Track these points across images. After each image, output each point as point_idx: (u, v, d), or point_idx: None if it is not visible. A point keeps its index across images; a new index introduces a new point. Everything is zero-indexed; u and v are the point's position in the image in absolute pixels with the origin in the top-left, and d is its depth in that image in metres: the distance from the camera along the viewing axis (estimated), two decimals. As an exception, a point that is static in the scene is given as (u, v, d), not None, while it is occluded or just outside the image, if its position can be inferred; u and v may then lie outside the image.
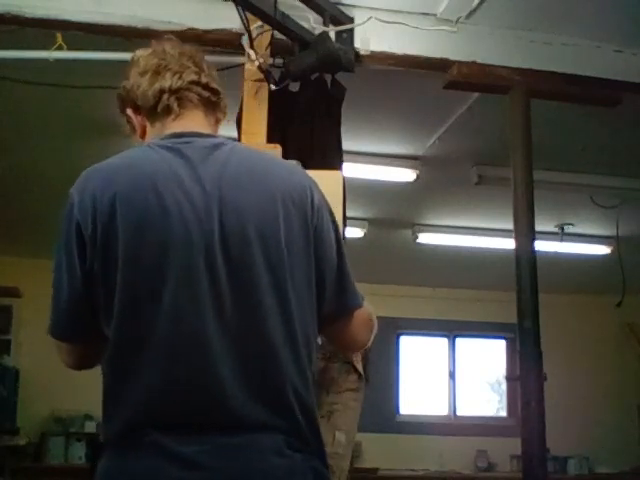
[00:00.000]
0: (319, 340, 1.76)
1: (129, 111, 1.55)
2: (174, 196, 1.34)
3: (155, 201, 1.33)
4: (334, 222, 1.48)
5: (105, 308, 1.33)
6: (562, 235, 5.75)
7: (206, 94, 1.52)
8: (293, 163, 1.72)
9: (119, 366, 1.33)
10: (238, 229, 1.35)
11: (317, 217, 1.43)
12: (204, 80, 1.52)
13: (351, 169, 3.87)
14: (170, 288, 1.30)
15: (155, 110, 1.50)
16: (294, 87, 2.78)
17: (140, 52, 1.60)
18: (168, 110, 1.50)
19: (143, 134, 1.55)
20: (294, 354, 1.35)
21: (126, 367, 1.31)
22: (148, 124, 1.53)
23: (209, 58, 1.63)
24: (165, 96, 1.49)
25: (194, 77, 1.51)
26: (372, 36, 2.82)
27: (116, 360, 1.34)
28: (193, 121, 1.51)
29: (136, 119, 1.55)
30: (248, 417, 1.29)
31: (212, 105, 1.54)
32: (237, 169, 1.41)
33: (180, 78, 1.49)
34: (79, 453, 6.51)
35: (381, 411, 6.92)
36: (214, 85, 1.54)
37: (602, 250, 5.95)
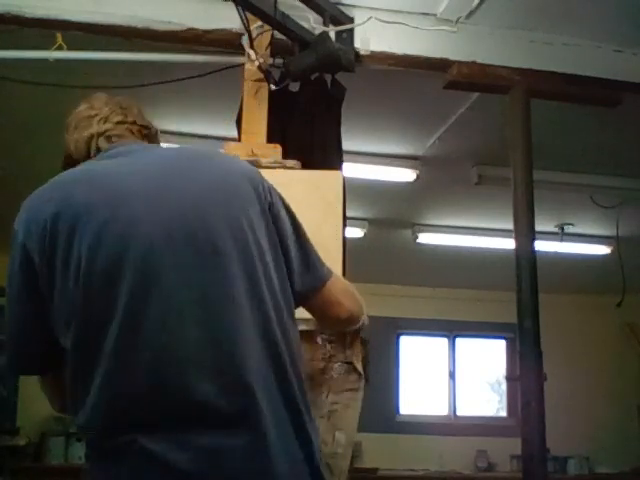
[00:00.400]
0: (319, 340, 1.76)
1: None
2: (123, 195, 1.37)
3: (110, 211, 1.34)
4: (283, 200, 1.52)
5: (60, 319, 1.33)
6: (562, 235, 5.74)
7: (136, 128, 1.59)
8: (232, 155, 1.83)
9: (82, 371, 1.31)
10: (200, 218, 1.36)
11: (269, 195, 1.47)
12: (130, 119, 1.59)
13: (351, 169, 3.87)
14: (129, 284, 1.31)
15: (89, 156, 1.57)
16: (294, 87, 2.78)
17: (70, 116, 1.72)
18: (99, 150, 1.56)
19: None
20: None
21: (90, 370, 1.29)
22: None
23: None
24: (94, 140, 1.57)
25: (120, 117, 1.58)
26: (372, 36, 2.82)
27: (79, 365, 1.31)
28: (124, 145, 1.56)
29: None
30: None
31: (144, 137, 1.61)
32: (185, 162, 1.48)
33: (106, 121, 1.58)
34: (79, 453, 6.49)
35: (381, 411, 6.91)
36: (143, 122, 1.61)
37: (602, 250, 5.95)
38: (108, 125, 1.57)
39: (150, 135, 1.62)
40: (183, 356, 1.27)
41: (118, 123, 1.58)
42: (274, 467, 1.27)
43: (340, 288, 1.58)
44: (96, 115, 1.60)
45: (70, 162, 1.61)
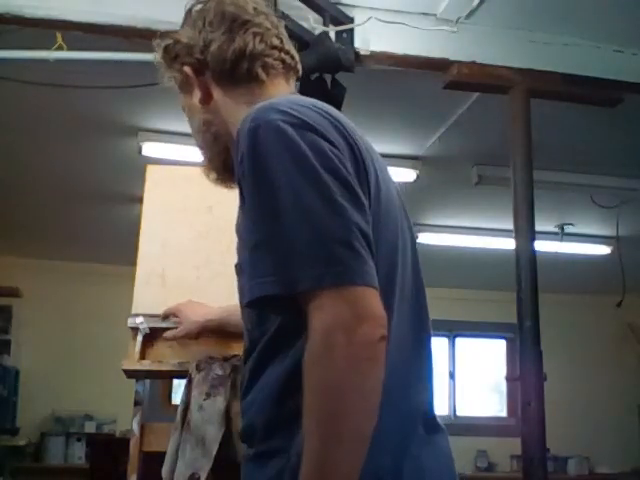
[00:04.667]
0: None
1: (187, 69, 1.33)
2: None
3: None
4: (250, 171, 1.07)
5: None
6: (562, 235, 5.74)
7: (288, 59, 1.35)
8: None
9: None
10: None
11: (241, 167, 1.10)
12: (286, 46, 1.35)
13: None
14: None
15: (233, 75, 1.30)
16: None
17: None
18: (250, 76, 1.30)
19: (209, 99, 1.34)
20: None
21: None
22: (219, 89, 1.32)
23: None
24: (246, 60, 1.29)
25: (276, 42, 1.33)
26: (372, 36, 2.82)
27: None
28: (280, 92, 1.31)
29: (198, 80, 1.33)
30: None
31: (292, 70, 1.37)
32: None
33: (262, 41, 1.31)
34: (79, 453, 6.49)
35: (381, 411, 6.90)
36: (290, 48, 1.37)
37: (602, 250, 5.94)
38: (263, 47, 1.32)
39: (295, 67, 1.40)
40: None
41: (273, 48, 1.34)
42: None
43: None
44: (246, 23, 1.33)
45: (194, 65, 1.33)
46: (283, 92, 1.30)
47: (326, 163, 1.03)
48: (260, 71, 1.29)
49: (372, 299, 0.98)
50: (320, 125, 1.08)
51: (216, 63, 1.30)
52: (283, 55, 1.33)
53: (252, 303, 1.03)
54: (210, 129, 1.34)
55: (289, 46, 1.36)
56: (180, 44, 1.34)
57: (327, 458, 0.93)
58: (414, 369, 1.18)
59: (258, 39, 1.30)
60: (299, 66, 1.38)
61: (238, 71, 1.29)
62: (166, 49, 1.36)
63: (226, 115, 1.31)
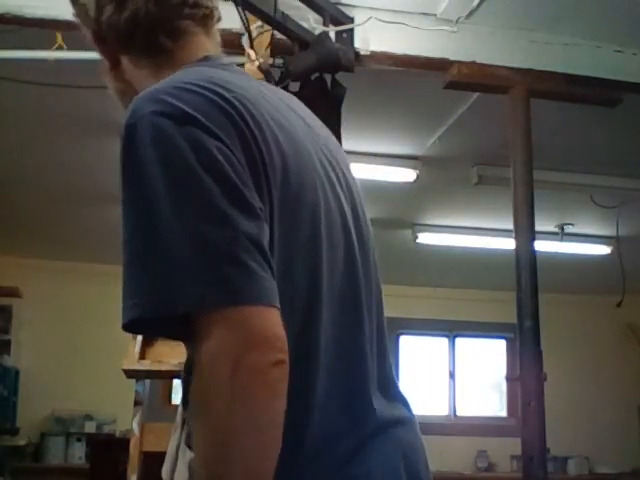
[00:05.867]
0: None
1: (88, 34, 1.23)
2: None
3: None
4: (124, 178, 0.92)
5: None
6: (562, 235, 5.74)
7: (200, 12, 1.16)
8: None
9: None
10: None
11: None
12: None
13: (351, 169, 3.87)
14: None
15: (133, 45, 1.18)
16: (294, 87, 2.78)
17: None
18: (151, 46, 1.16)
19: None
20: None
21: None
22: (125, 56, 1.21)
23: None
24: (141, 30, 1.14)
25: None
26: (372, 36, 2.82)
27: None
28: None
29: (100, 47, 1.25)
30: None
31: (209, 19, 1.19)
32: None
33: (157, 3, 1.13)
34: (79, 453, 6.50)
35: (381, 411, 6.90)
36: (204, 1, 1.16)
37: (602, 250, 5.94)
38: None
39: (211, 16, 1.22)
40: None
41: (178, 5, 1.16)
42: None
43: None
44: None
45: None
46: (196, 54, 1.13)
47: (208, 164, 0.89)
48: (163, 39, 1.13)
49: (266, 319, 0.85)
50: (204, 114, 0.92)
51: (111, 35, 1.16)
52: (189, 10, 1.14)
53: (126, 326, 0.88)
54: (124, 98, 1.17)
55: None
56: (78, 5, 1.19)
57: None
58: (356, 375, 1.06)
59: (152, 1, 1.11)
60: (217, 11, 1.19)
61: (136, 42, 1.14)
62: (72, 2, 1.21)
63: (137, 86, 1.15)
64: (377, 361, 1.10)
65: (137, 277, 0.87)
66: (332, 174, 1.11)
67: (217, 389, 0.82)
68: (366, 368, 1.06)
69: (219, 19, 1.20)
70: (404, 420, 1.12)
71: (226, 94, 0.96)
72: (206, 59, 1.12)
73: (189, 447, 1.03)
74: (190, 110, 0.92)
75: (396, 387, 1.15)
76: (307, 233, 0.99)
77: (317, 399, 0.98)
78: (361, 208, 1.16)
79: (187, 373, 0.97)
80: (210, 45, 1.17)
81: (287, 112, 1.09)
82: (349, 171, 1.21)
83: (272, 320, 0.86)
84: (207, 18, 1.16)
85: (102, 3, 1.14)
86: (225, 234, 0.86)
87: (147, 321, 0.86)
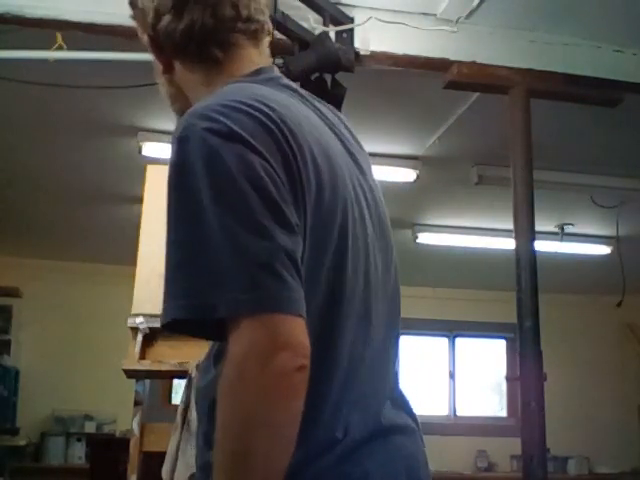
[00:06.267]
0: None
1: (145, 39, 1.26)
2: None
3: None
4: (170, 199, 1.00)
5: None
6: (562, 235, 5.74)
7: (252, 27, 1.21)
8: None
9: None
10: None
11: None
12: (244, 13, 1.19)
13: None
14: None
15: (186, 54, 1.22)
16: (294, 87, 2.78)
17: None
18: (204, 56, 1.20)
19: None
20: None
21: None
22: (179, 63, 1.24)
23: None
24: (196, 40, 1.19)
25: (230, 13, 1.18)
26: (372, 36, 2.83)
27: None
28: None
29: (156, 52, 1.26)
30: None
31: (260, 33, 1.23)
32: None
33: (213, 15, 1.17)
34: (79, 453, 6.49)
35: (381, 411, 6.90)
36: (252, 13, 1.20)
37: (602, 250, 5.94)
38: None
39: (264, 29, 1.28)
40: None
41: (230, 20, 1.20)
42: None
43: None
44: None
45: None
46: (247, 68, 1.18)
47: (253, 180, 0.95)
48: (215, 50, 1.18)
49: (293, 327, 0.92)
50: (250, 133, 0.98)
51: (167, 42, 1.20)
52: (242, 25, 1.19)
53: (166, 326, 0.96)
54: (175, 104, 1.27)
55: (250, 10, 1.20)
56: (137, 9, 1.24)
57: None
58: (372, 382, 1.12)
59: (208, 13, 1.16)
60: (267, 25, 1.24)
61: (190, 51, 1.19)
62: (131, 4, 1.26)
63: (187, 92, 1.23)
64: (388, 367, 1.17)
65: (183, 281, 0.94)
66: (359, 190, 1.16)
67: (244, 386, 0.89)
68: (379, 375, 1.14)
69: (269, 32, 1.26)
70: (406, 429, 1.17)
71: (270, 113, 1.02)
72: (258, 73, 1.18)
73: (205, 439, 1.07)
74: (237, 128, 0.98)
75: (398, 390, 1.20)
76: (333, 249, 1.05)
77: (329, 403, 1.04)
78: (384, 217, 1.24)
79: (213, 364, 1.07)
80: (258, 58, 1.22)
81: (322, 128, 1.15)
82: (372, 176, 1.27)
83: (299, 328, 0.93)
84: (257, 32, 1.22)
85: (161, 11, 1.19)
86: (265, 247, 0.93)
87: (186, 321, 0.94)
